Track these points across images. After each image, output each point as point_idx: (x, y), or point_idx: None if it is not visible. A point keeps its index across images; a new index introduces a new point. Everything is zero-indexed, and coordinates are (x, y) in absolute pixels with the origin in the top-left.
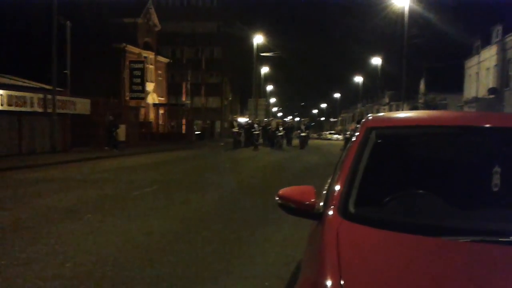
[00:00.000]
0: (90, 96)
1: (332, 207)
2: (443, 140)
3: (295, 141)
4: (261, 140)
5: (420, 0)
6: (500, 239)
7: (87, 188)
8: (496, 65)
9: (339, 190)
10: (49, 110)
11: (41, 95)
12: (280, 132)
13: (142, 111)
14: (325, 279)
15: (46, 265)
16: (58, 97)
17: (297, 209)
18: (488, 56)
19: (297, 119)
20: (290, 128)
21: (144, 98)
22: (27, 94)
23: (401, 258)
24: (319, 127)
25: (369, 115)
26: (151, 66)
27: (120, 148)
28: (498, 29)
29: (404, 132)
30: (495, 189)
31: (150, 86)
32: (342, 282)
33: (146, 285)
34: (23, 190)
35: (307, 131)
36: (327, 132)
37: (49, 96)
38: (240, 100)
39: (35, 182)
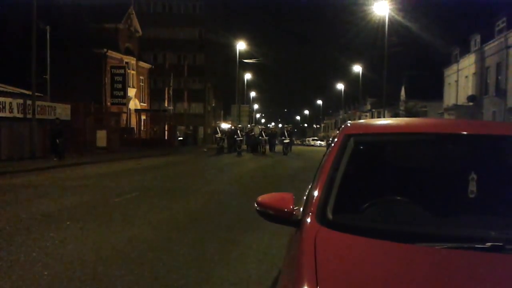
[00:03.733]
0: (71, 101)
1: (310, 214)
2: (420, 147)
3: (278, 147)
4: (244, 146)
5: (400, 9)
6: (476, 246)
7: (67, 194)
8: (474, 73)
9: (317, 197)
10: (29, 116)
11: (20, 101)
12: (263, 138)
13: (124, 116)
14: (301, 286)
15: (24, 274)
16: (38, 103)
17: (276, 216)
18: (467, 65)
19: (280, 125)
20: (273, 134)
21: (125, 104)
22: (6, 99)
23: (378, 265)
24: (302, 134)
25: (347, 122)
26: (132, 72)
27: (63, 159)
28: (476, 38)
29: (382, 139)
30: (472, 196)
31: (131, 92)
32: None
33: None
34: (1, 197)
35: (290, 137)
36: (310, 139)
37: (29, 102)
38: (224, 106)
39: (13, 188)
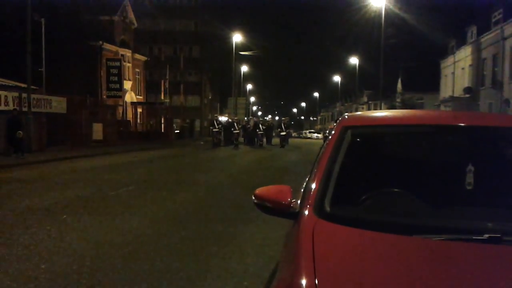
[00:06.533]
0: (67, 94)
1: (307, 206)
2: (418, 139)
3: (275, 140)
4: (241, 139)
5: (396, 1)
6: (473, 237)
7: (64, 188)
8: (471, 65)
9: (315, 189)
10: (24, 109)
11: (16, 94)
12: (260, 130)
13: (120, 109)
14: (300, 279)
15: (21, 267)
16: (33, 96)
17: (273, 208)
18: (463, 56)
19: (277, 117)
20: (270, 127)
21: (121, 97)
22: (1, 93)
23: (375, 257)
24: (299, 126)
25: (345, 114)
26: (128, 64)
27: (23, 156)
28: (473, 29)
29: (380, 131)
30: (469, 188)
31: (127, 84)
32: (316, 282)
33: (123, 286)
34: None
35: (287, 130)
36: (307, 131)
37: (24, 95)
38: (220, 99)
39: (10, 182)
